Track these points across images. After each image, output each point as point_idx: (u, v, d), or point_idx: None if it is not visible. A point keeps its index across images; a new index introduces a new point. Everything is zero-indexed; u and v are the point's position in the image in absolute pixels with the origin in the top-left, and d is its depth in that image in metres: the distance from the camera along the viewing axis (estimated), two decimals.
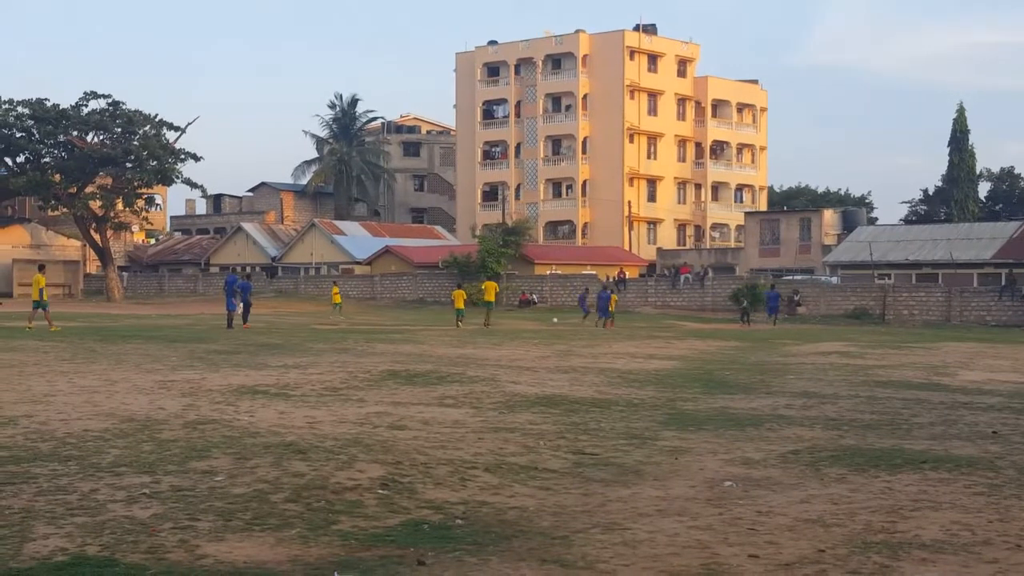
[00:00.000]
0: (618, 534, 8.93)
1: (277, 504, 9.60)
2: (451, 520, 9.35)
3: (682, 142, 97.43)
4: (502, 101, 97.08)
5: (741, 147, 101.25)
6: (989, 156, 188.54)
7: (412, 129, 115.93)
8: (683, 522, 9.40)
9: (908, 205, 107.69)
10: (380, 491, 10.22)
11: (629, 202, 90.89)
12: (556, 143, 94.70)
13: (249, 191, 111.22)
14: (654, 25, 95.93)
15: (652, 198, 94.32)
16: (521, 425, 14.95)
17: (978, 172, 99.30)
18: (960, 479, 11.39)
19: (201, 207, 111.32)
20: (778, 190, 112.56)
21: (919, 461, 12.42)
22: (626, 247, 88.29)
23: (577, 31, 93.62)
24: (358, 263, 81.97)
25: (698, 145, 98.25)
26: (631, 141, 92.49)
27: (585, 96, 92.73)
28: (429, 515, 9.51)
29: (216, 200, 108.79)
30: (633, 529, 9.11)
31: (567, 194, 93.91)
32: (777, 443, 13.95)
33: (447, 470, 11.31)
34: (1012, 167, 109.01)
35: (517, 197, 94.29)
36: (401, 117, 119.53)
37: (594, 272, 73.21)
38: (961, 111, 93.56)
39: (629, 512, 9.80)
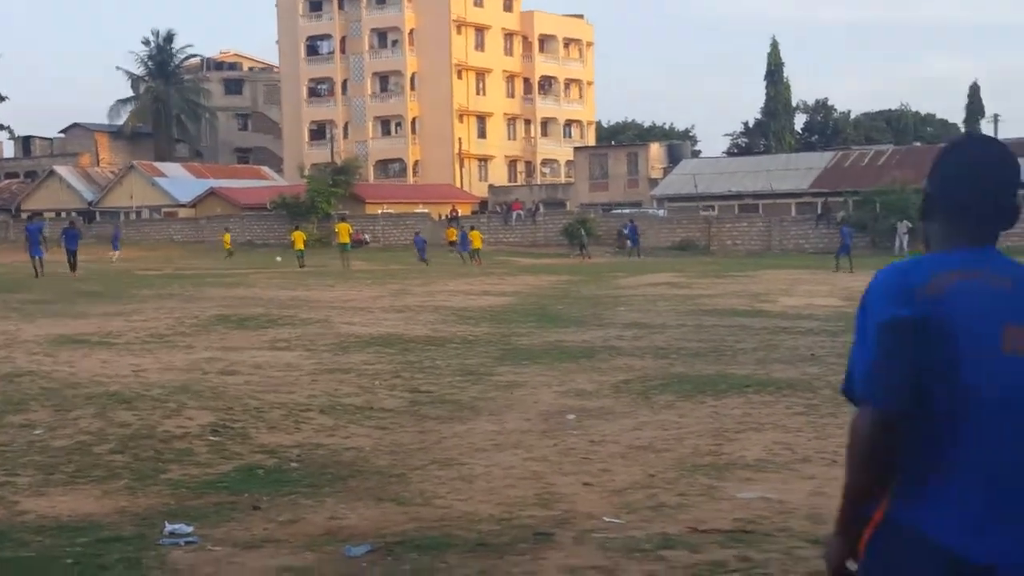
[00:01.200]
0: (455, 469, 8.97)
1: (102, 456, 9.32)
2: (286, 464, 9.24)
3: (510, 78, 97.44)
4: (326, 36, 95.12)
5: (569, 82, 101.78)
6: (804, 89, 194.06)
7: (233, 66, 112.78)
8: (518, 455, 9.50)
9: (730, 138, 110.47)
10: (211, 438, 10.02)
11: (460, 139, 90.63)
12: (384, 80, 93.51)
13: (61, 132, 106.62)
14: None
15: (482, 135, 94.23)
16: (356, 366, 14.86)
17: (794, 105, 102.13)
18: (781, 401, 11.79)
19: (9, 150, 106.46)
20: (606, 125, 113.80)
21: (743, 385, 12.81)
22: (457, 184, 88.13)
23: None
24: (181, 206, 79.87)
25: (526, 81, 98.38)
26: (459, 77, 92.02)
27: (412, 31, 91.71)
28: (263, 460, 9.38)
29: (25, 142, 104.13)
30: (470, 464, 9.16)
31: (396, 132, 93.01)
32: (609, 373, 14.20)
33: (280, 414, 11.16)
34: (826, 99, 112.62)
35: (345, 136, 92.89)
36: (221, 53, 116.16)
37: (427, 211, 72.97)
38: (775, 45, 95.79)
39: (465, 447, 9.86)
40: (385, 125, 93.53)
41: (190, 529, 7.15)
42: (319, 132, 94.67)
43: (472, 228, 53.62)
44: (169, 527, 7.17)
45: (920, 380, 2.50)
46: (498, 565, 6.40)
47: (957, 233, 2.69)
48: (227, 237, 56.79)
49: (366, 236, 66.48)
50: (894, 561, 2.53)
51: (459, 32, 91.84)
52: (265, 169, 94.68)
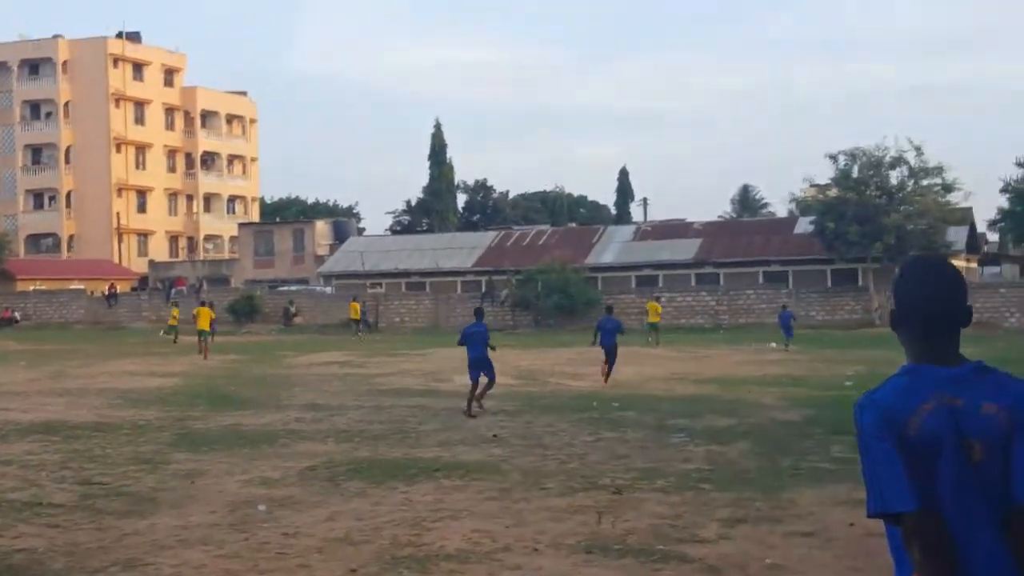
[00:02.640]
0: (140, 571, 8.50)
1: None
2: None
3: (172, 153, 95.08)
4: None
5: (232, 158, 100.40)
6: (465, 169, 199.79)
7: None
8: (208, 551, 9.11)
9: (393, 215, 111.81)
10: None
11: (118, 213, 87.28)
12: (36, 151, 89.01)
13: None
14: (138, 33, 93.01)
15: (142, 209, 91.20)
16: (18, 456, 13.90)
17: (456, 184, 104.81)
18: (472, 484, 11.92)
19: None
20: (269, 201, 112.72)
21: (432, 469, 12.88)
22: (116, 260, 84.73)
23: (56, 36, 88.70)
24: None
25: (188, 156, 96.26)
26: (118, 151, 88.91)
27: (67, 103, 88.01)
28: None
29: None
30: (156, 564, 8.70)
31: (50, 205, 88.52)
32: (293, 459, 13.93)
33: None
34: (485, 179, 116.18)
35: None
36: None
37: (83, 287, 69.63)
38: (438, 126, 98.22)
39: (149, 545, 9.37)
40: (38, 198, 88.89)
41: None
42: None
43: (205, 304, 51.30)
44: None
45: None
46: None
47: (924, 345, 3.14)
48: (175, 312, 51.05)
49: (16, 314, 62.66)
50: None
51: (118, 106, 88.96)
52: None
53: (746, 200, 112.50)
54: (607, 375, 24.81)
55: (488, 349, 19.80)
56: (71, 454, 14.29)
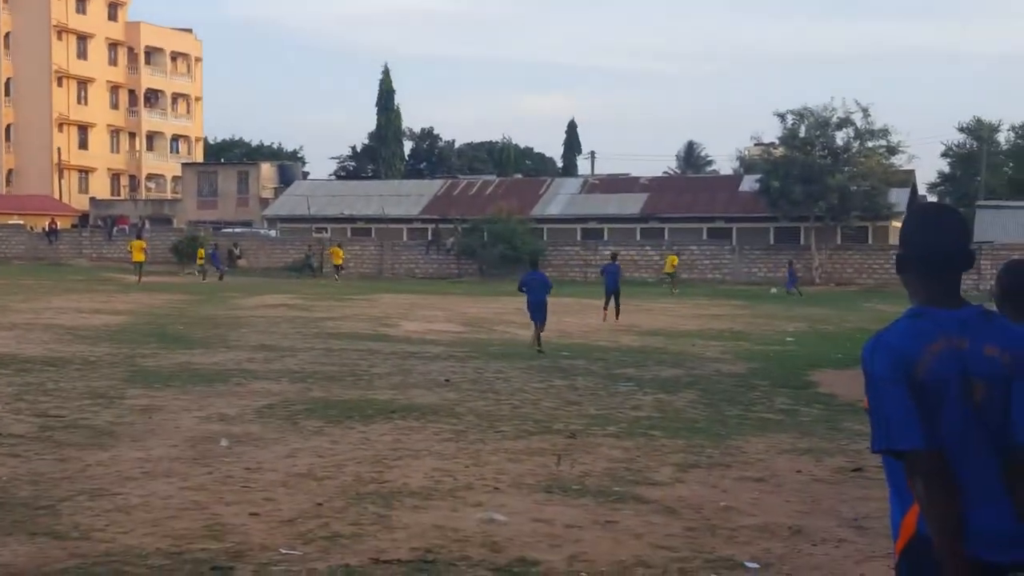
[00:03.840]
0: (108, 500, 8.61)
1: None
2: None
3: (115, 88, 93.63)
4: None
5: (176, 96, 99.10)
6: (412, 117, 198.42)
7: None
8: (173, 483, 9.24)
9: (337, 161, 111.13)
10: None
11: (59, 149, 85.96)
12: None
13: None
14: None
15: (84, 146, 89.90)
16: None
17: (403, 131, 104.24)
18: (428, 426, 12.12)
19: None
20: (213, 142, 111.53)
21: (388, 410, 13.06)
22: (56, 196, 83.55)
23: None
24: None
25: (132, 93, 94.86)
26: (60, 85, 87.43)
27: (7, 34, 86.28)
28: None
29: None
30: (123, 494, 8.82)
31: None
32: (248, 397, 14.05)
33: None
34: (432, 127, 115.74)
35: None
36: None
37: (22, 222, 68.70)
38: (386, 72, 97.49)
39: (114, 476, 9.47)
40: None
41: None
42: None
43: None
44: None
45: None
46: None
47: (930, 287, 3.34)
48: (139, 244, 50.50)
49: None
50: (925, 570, 3.17)
51: (60, 38, 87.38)
52: None
53: (691, 157, 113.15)
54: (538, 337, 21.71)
55: (547, 294, 21.51)
56: (24, 387, 14.30)
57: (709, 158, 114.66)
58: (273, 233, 67.86)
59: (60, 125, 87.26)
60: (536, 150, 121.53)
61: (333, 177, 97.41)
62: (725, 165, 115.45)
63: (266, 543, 7.42)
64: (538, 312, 21.22)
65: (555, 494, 8.94)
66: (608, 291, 29.69)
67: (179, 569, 6.83)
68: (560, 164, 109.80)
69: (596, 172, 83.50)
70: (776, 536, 7.82)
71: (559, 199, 66.06)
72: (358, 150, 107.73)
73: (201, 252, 54.39)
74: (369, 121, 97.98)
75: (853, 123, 54.35)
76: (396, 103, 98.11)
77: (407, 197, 69.98)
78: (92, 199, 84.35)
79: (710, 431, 12.21)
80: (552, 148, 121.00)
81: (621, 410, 13.67)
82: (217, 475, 9.56)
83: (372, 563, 6.96)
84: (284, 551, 7.23)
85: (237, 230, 68.81)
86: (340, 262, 55.54)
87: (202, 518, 8.08)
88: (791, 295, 45.32)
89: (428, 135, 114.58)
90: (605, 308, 29.78)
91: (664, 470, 10.02)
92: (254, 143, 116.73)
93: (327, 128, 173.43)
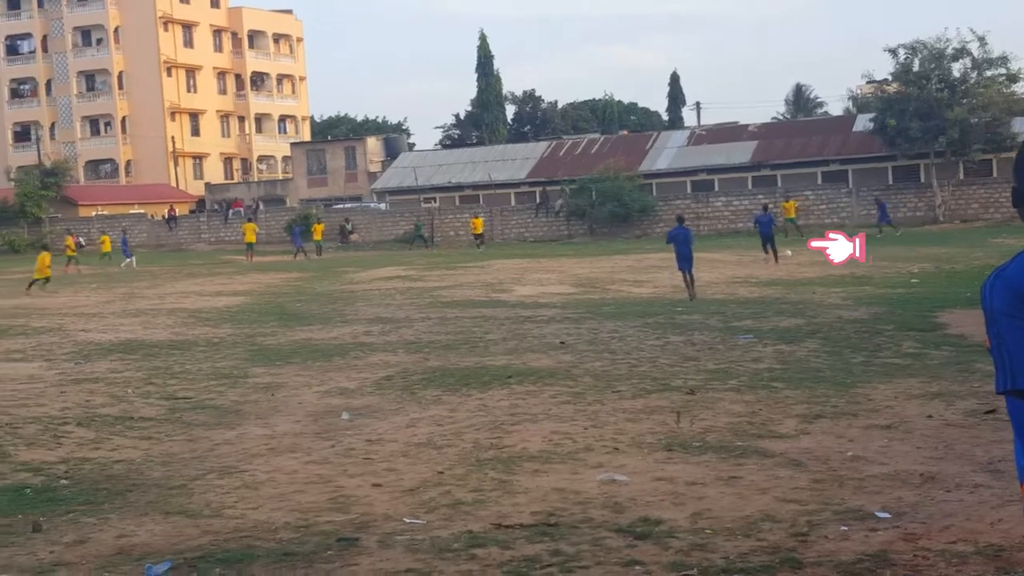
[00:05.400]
0: (236, 477, 8.78)
1: None
2: (55, 481, 8.82)
3: (222, 74, 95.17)
4: (27, 35, 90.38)
5: (281, 78, 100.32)
6: (512, 80, 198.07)
7: None
8: (298, 458, 9.38)
9: (442, 130, 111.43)
10: None
11: (172, 137, 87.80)
12: (90, 78, 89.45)
13: None
14: None
15: (196, 132, 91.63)
16: (103, 374, 14.27)
17: (504, 95, 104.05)
18: (545, 390, 12.09)
19: None
20: (319, 120, 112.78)
21: (504, 376, 13.07)
22: (173, 184, 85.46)
23: None
24: None
25: (238, 77, 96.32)
26: (169, 75, 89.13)
27: (117, 28, 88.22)
28: (28, 478, 8.92)
29: None
30: (250, 470, 8.98)
31: (106, 131, 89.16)
32: (367, 370, 14.19)
33: (36, 428, 10.62)
34: (533, 90, 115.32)
35: (52, 137, 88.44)
36: None
37: (143, 211, 70.47)
38: (483, 38, 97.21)
39: (241, 454, 9.65)
40: (94, 125, 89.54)
41: None
42: (24, 134, 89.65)
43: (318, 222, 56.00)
44: None
45: None
46: (309, 575, 6.34)
47: None
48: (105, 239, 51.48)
49: (81, 239, 63.58)
50: None
51: (166, 29, 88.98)
52: None
53: (800, 100, 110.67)
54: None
55: (691, 248, 23.41)
56: (153, 371, 14.64)
57: (819, 100, 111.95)
58: (383, 206, 68.41)
59: (172, 114, 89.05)
60: (640, 105, 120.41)
61: (439, 147, 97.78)
62: (836, 106, 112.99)
63: (390, 513, 7.48)
64: (685, 262, 23.14)
65: (676, 452, 8.85)
66: (764, 239, 32.70)
67: (307, 541, 6.92)
68: (665, 117, 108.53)
69: (702, 123, 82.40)
70: (907, 484, 7.61)
71: (666, 153, 65.32)
72: (461, 118, 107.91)
73: (318, 227, 55.05)
74: (471, 88, 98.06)
75: (969, 52, 52.53)
76: (495, 67, 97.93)
77: (512, 161, 69.87)
78: (207, 184, 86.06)
79: (834, 380, 11.97)
80: (656, 102, 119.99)
81: (741, 363, 13.48)
82: (339, 448, 9.68)
83: (495, 528, 6.96)
84: (408, 520, 7.28)
85: (347, 205, 69.57)
86: (481, 230, 54.88)
87: (327, 491, 8.18)
88: (885, 234, 43.92)
89: (530, 98, 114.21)
90: (766, 253, 32.45)
91: (788, 422, 9.84)
92: (359, 118, 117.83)
93: (430, 98, 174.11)
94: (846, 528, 6.69)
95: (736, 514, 7.05)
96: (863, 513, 6.97)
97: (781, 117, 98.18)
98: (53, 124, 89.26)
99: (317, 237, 53.49)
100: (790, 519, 6.90)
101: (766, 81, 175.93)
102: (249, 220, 54.94)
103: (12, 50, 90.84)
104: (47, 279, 31.84)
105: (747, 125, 68.44)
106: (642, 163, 63.59)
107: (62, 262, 41.82)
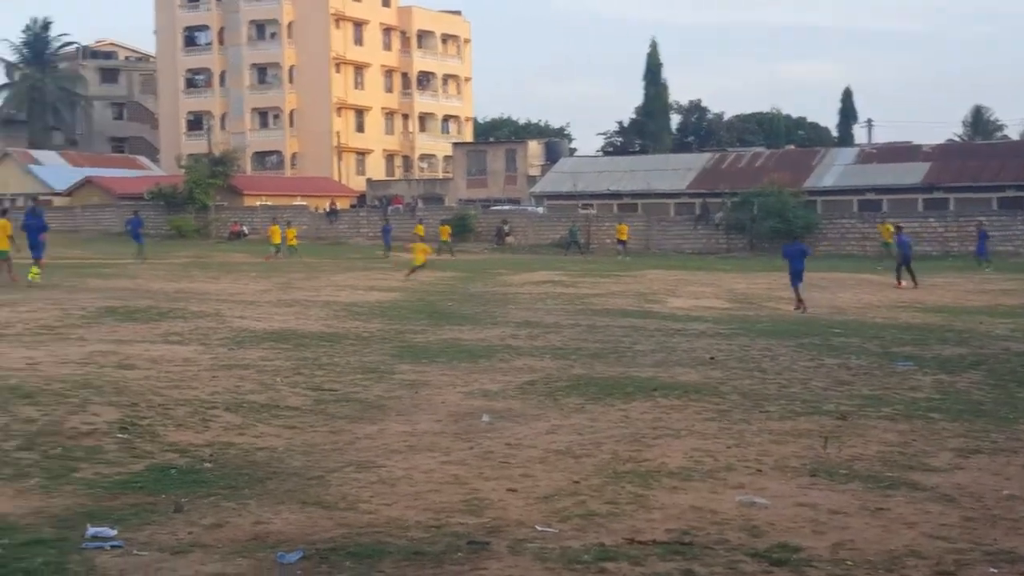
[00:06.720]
0: (373, 472, 8.83)
1: (10, 453, 8.95)
2: (199, 463, 9.01)
3: (388, 72, 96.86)
4: (204, 27, 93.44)
5: (447, 78, 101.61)
6: (679, 89, 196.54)
7: (109, 55, 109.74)
8: (436, 457, 9.39)
9: (604, 136, 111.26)
10: (119, 435, 9.71)
11: (338, 132, 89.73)
12: (262, 71, 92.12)
13: None
14: None
15: (360, 128, 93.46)
16: (254, 362, 14.55)
17: (670, 104, 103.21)
18: (690, 405, 11.87)
19: None
20: (482, 121, 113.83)
21: (650, 388, 12.86)
22: (336, 178, 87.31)
23: None
24: (57, 194, 77.44)
25: (404, 75, 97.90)
26: (338, 71, 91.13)
27: (290, 24, 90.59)
28: (175, 459, 9.13)
29: None
30: (388, 466, 9.02)
31: (274, 124, 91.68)
32: (511, 374, 14.16)
33: (186, 411, 10.87)
34: (699, 100, 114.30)
35: (223, 127, 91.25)
36: (97, 42, 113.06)
37: (305, 203, 72.13)
38: (654, 46, 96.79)
39: (380, 449, 9.72)
40: (263, 117, 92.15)
41: (114, 532, 6.92)
42: (196, 123, 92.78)
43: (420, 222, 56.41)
44: (92, 530, 6.92)
45: None
46: (438, 575, 6.31)
47: None
48: (282, 230, 49.26)
49: (244, 228, 65.47)
50: None
51: (337, 26, 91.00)
52: (142, 159, 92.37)
53: (979, 123, 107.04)
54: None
55: (805, 261, 24.76)
56: (302, 361, 14.86)
57: (999, 123, 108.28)
58: (541, 210, 68.56)
59: (339, 109, 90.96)
60: (809, 120, 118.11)
61: (600, 153, 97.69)
62: (1016, 130, 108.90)
63: (522, 519, 7.41)
64: (797, 278, 24.48)
65: (821, 478, 8.56)
66: (903, 260, 31.78)
67: (437, 542, 6.90)
68: (835, 134, 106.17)
69: (873, 141, 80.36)
70: None
71: (834, 170, 63.86)
72: (625, 125, 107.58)
73: (446, 229, 55.14)
74: (636, 95, 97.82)
75: None
76: (663, 77, 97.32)
77: (675, 171, 69.27)
78: (368, 180, 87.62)
79: (996, 414, 11.46)
80: (826, 117, 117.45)
81: (897, 391, 13.02)
82: (478, 450, 9.65)
83: (627, 543, 6.82)
84: (540, 528, 7.20)
85: (505, 207, 69.97)
86: (626, 237, 55.90)
87: (462, 492, 8.16)
88: (982, 266, 41.61)
89: (696, 108, 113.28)
90: (899, 279, 31.47)
91: (942, 455, 9.44)
92: (521, 121, 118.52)
93: (594, 103, 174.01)
94: (995, 571, 6.36)
95: (879, 547, 6.77)
96: (1015, 556, 6.62)
97: (958, 139, 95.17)
98: (224, 114, 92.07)
99: (444, 238, 53.73)
100: (936, 556, 6.59)
101: (944, 101, 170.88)
102: (419, 221, 55.99)
103: (190, 41, 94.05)
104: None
105: (920, 145, 66.40)
106: (808, 179, 62.32)
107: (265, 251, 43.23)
